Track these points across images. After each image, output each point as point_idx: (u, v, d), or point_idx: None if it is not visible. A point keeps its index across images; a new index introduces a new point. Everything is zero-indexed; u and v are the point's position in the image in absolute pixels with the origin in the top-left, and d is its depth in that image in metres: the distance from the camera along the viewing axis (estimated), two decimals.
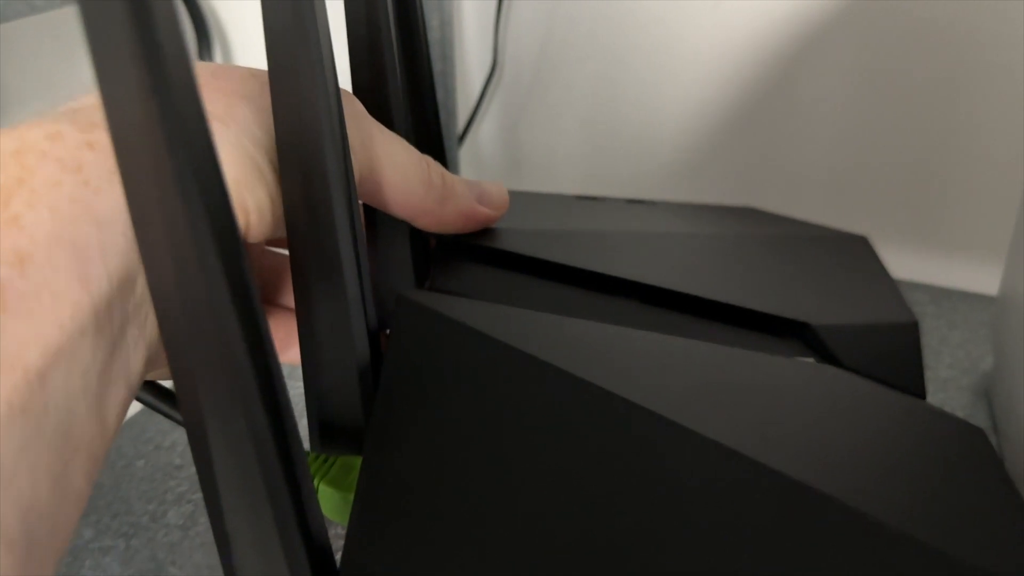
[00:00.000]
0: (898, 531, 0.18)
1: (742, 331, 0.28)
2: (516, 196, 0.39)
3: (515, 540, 0.18)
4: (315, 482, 0.24)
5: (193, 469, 0.34)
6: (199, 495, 0.33)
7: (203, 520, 0.31)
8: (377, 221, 0.29)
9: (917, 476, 0.20)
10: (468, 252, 0.30)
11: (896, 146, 0.49)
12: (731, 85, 0.51)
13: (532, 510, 0.19)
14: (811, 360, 0.27)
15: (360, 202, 0.28)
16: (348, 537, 0.19)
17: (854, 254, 0.34)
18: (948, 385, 0.37)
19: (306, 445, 0.20)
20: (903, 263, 0.49)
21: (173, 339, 0.16)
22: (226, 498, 0.17)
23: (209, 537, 0.30)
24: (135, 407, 0.36)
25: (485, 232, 0.30)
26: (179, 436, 0.36)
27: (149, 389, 0.24)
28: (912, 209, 0.50)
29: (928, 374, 0.37)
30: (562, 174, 0.59)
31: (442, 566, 0.18)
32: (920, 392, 0.28)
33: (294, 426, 0.18)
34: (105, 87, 0.13)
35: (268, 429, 0.17)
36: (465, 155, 0.61)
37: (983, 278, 0.48)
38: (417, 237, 0.30)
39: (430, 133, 0.33)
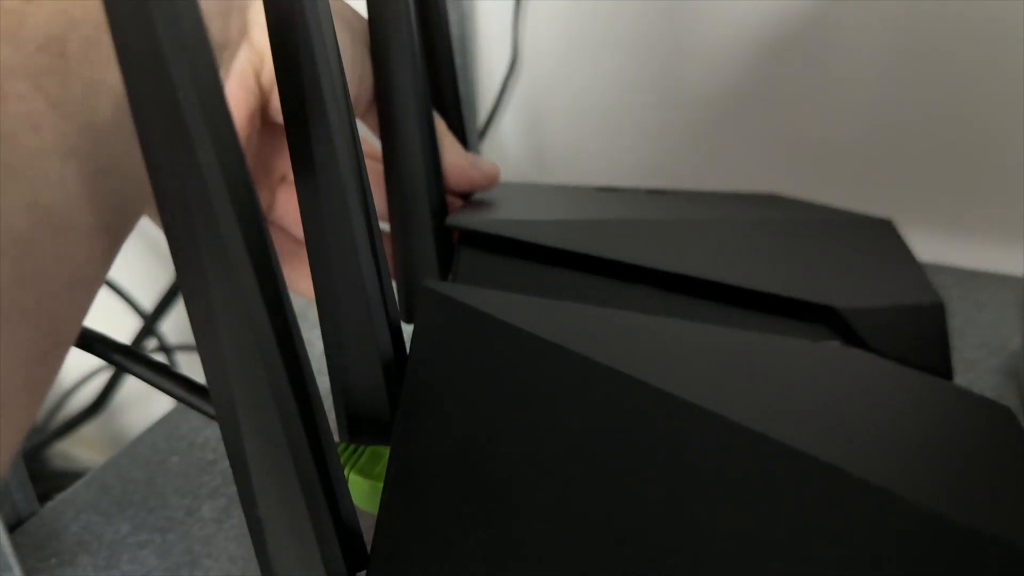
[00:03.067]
0: (928, 510, 0.18)
1: (768, 317, 0.28)
2: (538, 188, 0.39)
3: (542, 525, 0.18)
4: (345, 471, 0.24)
5: (226, 464, 0.35)
6: (233, 489, 0.33)
7: (237, 513, 0.32)
8: (401, 216, 0.30)
9: (946, 456, 0.20)
10: (491, 243, 0.30)
11: (922, 128, 0.48)
12: (755, 73, 0.51)
13: (558, 494, 0.19)
14: (837, 344, 0.27)
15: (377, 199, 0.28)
16: (378, 524, 0.19)
17: (879, 237, 0.34)
18: (976, 366, 0.37)
19: (336, 437, 0.20)
20: (929, 246, 0.49)
21: (204, 336, 0.16)
22: (259, 485, 0.17)
23: (243, 530, 0.31)
24: (168, 403, 0.37)
25: (508, 223, 0.30)
26: (211, 432, 0.37)
27: (181, 384, 0.24)
28: (937, 192, 0.49)
29: (956, 355, 0.37)
30: (584, 166, 0.59)
31: (470, 553, 0.18)
32: (947, 373, 0.28)
33: (323, 416, 0.18)
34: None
35: (298, 419, 0.17)
36: (487, 149, 0.61)
37: (1010, 260, 0.48)
38: (441, 230, 0.30)
39: (452, 127, 0.33)
